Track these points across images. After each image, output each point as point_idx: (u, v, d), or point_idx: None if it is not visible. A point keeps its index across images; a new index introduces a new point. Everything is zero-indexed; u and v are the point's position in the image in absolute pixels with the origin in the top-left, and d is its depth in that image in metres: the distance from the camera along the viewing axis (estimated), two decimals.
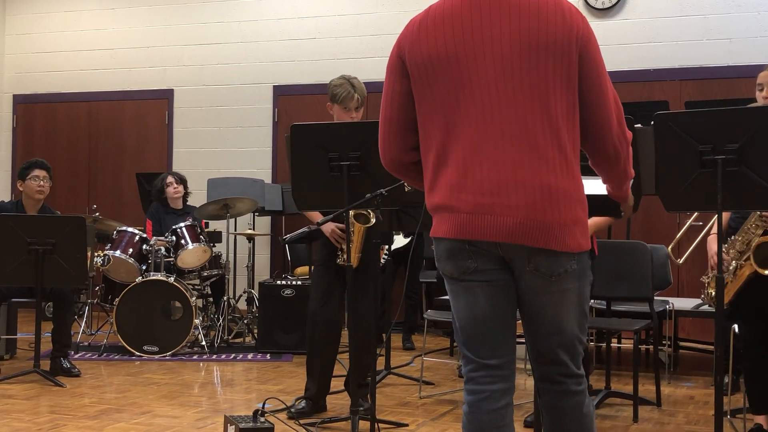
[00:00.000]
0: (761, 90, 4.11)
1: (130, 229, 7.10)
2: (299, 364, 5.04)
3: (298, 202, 4.16)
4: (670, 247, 5.17)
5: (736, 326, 4.58)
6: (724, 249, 4.04)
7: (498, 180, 2.35)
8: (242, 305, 8.25)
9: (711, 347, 6.79)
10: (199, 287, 7.36)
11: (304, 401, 4.72)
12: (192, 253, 7.04)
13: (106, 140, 10.05)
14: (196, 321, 6.78)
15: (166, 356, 6.65)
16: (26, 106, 10.41)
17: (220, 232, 7.94)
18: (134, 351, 6.64)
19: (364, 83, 4.83)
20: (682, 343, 7.16)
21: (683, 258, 5.05)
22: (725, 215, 4.15)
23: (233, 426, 4.07)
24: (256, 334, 7.27)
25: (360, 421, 4.20)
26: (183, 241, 7.01)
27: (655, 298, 5.57)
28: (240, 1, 9.59)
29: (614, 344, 6.69)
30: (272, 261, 9.39)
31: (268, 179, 9.22)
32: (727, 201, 3.30)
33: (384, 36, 9.00)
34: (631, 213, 2.83)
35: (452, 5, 2.43)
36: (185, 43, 9.75)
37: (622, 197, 2.67)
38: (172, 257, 6.99)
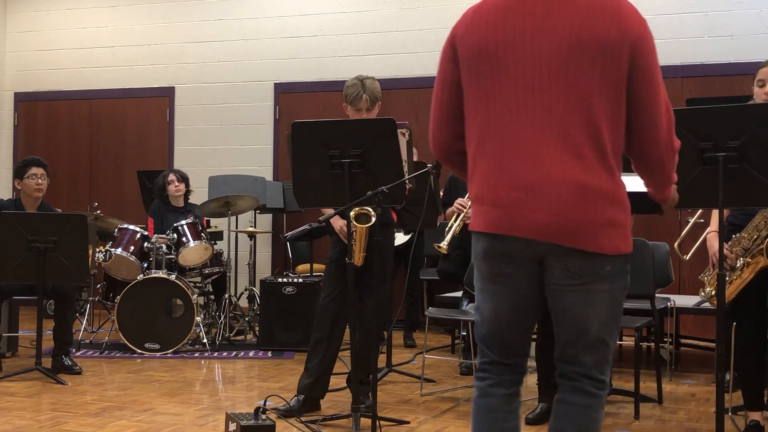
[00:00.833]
0: (762, 86, 4.09)
1: (131, 227, 7.10)
2: (300, 362, 5.04)
3: (299, 199, 4.16)
4: (676, 243, 5.17)
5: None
6: (727, 246, 4.04)
7: (533, 176, 2.35)
8: (243, 303, 8.26)
9: (712, 344, 6.79)
10: (201, 285, 7.36)
11: (295, 398, 4.71)
12: (193, 251, 7.04)
13: (108, 138, 10.05)
14: (198, 318, 6.79)
15: (167, 354, 6.65)
16: (27, 104, 10.41)
17: (222, 230, 7.94)
18: (136, 348, 6.65)
19: None
20: (683, 341, 7.15)
21: (689, 254, 5.04)
22: (725, 212, 4.14)
23: (235, 423, 4.07)
24: (257, 332, 7.28)
25: (361, 419, 4.20)
26: (184, 239, 7.01)
27: (657, 295, 5.57)
28: None
29: (616, 342, 6.68)
30: (273, 258, 9.39)
31: (269, 177, 9.23)
32: (729, 198, 3.30)
33: (385, 34, 9.00)
34: (672, 209, 2.79)
35: None
36: (186, 40, 9.75)
37: (663, 200, 2.63)
38: (174, 255, 6.99)
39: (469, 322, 5.87)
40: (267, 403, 4.34)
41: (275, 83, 9.43)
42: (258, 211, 8.85)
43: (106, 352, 6.75)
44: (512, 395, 2.54)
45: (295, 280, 7.05)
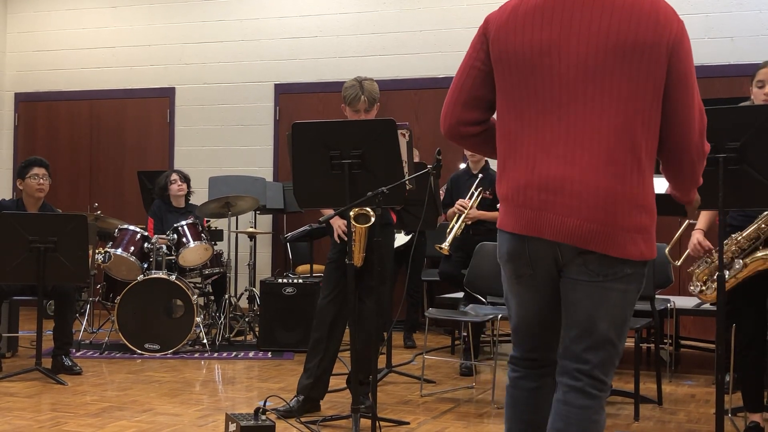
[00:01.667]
0: (761, 87, 4.09)
1: (131, 228, 7.11)
2: (300, 362, 5.04)
3: (299, 200, 4.16)
4: (667, 250, 5.16)
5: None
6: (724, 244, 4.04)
7: (564, 179, 2.34)
8: (243, 303, 8.26)
9: (712, 346, 6.79)
10: (201, 285, 7.36)
11: (294, 399, 4.71)
12: (193, 251, 7.04)
13: (108, 138, 10.05)
14: (198, 319, 6.79)
15: (167, 354, 6.65)
16: (28, 104, 10.41)
17: (222, 231, 7.94)
18: (136, 349, 6.65)
19: None
20: (683, 342, 7.15)
21: (680, 260, 5.04)
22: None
23: (234, 424, 4.07)
24: (257, 333, 7.28)
25: (361, 419, 4.19)
26: (184, 239, 7.01)
27: (656, 296, 5.57)
28: None
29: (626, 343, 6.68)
30: (273, 259, 9.39)
31: (269, 177, 9.23)
32: (729, 199, 3.30)
33: (386, 34, 9.00)
34: (696, 211, 2.79)
35: None
36: (187, 41, 9.76)
37: (688, 202, 2.63)
38: (174, 255, 7.00)
39: (469, 323, 5.87)
40: (267, 403, 4.34)
41: (275, 84, 9.43)
42: (258, 212, 8.85)
43: (106, 352, 6.75)
44: (539, 389, 2.58)
45: (295, 280, 7.05)
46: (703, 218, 4.27)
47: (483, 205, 6.32)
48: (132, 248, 6.97)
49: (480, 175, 6.39)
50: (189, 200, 7.72)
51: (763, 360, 4.15)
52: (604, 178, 2.32)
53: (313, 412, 4.72)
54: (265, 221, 9.37)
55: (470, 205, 6.26)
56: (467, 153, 6.45)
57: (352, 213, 4.32)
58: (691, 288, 4.36)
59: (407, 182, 4.13)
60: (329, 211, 4.39)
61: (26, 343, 6.89)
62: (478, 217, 6.27)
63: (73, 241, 5.65)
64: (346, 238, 4.66)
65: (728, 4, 7.99)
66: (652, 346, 6.38)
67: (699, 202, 2.71)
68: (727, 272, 4.08)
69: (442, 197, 6.57)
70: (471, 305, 5.77)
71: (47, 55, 10.31)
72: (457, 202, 6.30)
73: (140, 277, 6.76)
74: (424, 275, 7.85)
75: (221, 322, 7.21)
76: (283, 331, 6.94)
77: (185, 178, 7.67)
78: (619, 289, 2.39)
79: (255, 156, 9.45)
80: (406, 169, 4.17)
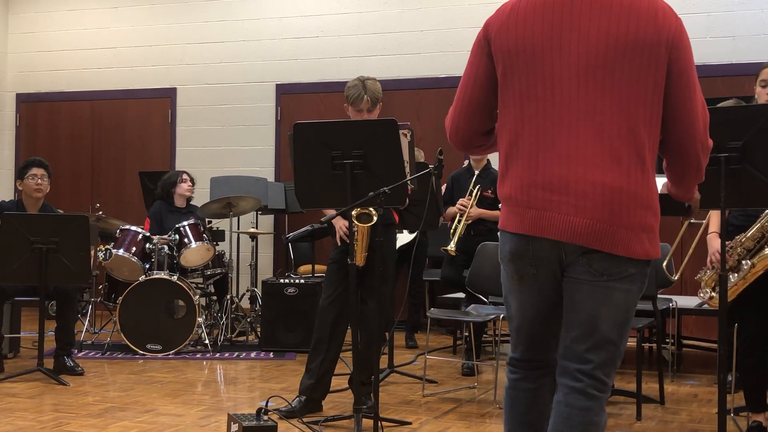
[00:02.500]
0: (764, 86, 4.09)
1: (133, 228, 7.11)
2: (302, 363, 5.04)
3: (301, 200, 4.16)
4: (664, 264, 5.16)
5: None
6: (729, 246, 4.03)
7: (568, 178, 2.33)
8: (245, 304, 8.26)
9: (714, 345, 6.78)
10: (203, 286, 7.36)
11: (296, 399, 4.71)
12: (195, 252, 7.04)
13: (109, 139, 10.06)
14: (200, 319, 6.79)
15: (169, 355, 6.65)
16: (29, 105, 10.41)
17: (223, 231, 7.94)
18: (137, 349, 6.65)
19: None
20: (685, 341, 7.15)
21: (677, 275, 5.05)
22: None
23: (237, 424, 4.07)
24: (259, 333, 7.28)
25: (363, 419, 4.19)
26: (186, 240, 7.01)
27: (659, 296, 5.56)
28: None
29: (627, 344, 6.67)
30: (275, 259, 9.39)
31: (271, 178, 9.23)
32: (731, 199, 3.30)
33: (387, 34, 9.00)
34: (698, 210, 2.77)
35: None
36: (188, 41, 9.76)
37: (688, 198, 2.62)
38: (176, 256, 7.00)
39: (471, 323, 5.86)
40: (269, 404, 4.34)
41: (277, 84, 9.43)
42: (260, 212, 8.86)
43: (108, 353, 6.75)
44: (538, 389, 2.57)
45: (297, 281, 7.05)
46: (715, 220, 4.24)
47: (484, 204, 6.31)
48: (134, 249, 6.98)
49: (478, 174, 6.38)
50: (190, 201, 7.71)
51: (766, 359, 4.14)
52: (610, 177, 2.31)
53: (315, 412, 4.72)
54: (267, 221, 9.37)
55: (470, 203, 6.25)
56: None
57: (354, 212, 4.32)
58: (701, 294, 4.35)
59: (409, 182, 4.13)
60: (331, 212, 4.39)
61: (28, 343, 6.89)
62: (479, 215, 6.27)
63: (74, 242, 5.65)
64: (347, 240, 4.65)
65: (729, 4, 7.98)
66: (655, 345, 6.37)
67: (699, 200, 2.70)
68: (735, 275, 4.07)
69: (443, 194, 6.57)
70: (473, 305, 5.77)
71: (49, 56, 10.31)
72: (458, 201, 6.29)
73: (142, 278, 6.76)
74: (426, 275, 7.85)
75: (223, 323, 7.21)
76: (285, 331, 6.94)
77: (192, 180, 7.68)
78: (623, 289, 2.39)
79: (256, 156, 9.45)
80: (407, 169, 4.17)
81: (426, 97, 8.83)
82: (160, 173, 8.30)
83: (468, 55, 2.60)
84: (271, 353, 6.85)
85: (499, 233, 2.56)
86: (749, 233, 4.05)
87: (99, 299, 7.63)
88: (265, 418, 4.08)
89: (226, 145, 9.59)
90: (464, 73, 2.58)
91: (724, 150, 3.25)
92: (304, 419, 4.51)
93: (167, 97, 9.85)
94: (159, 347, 6.68)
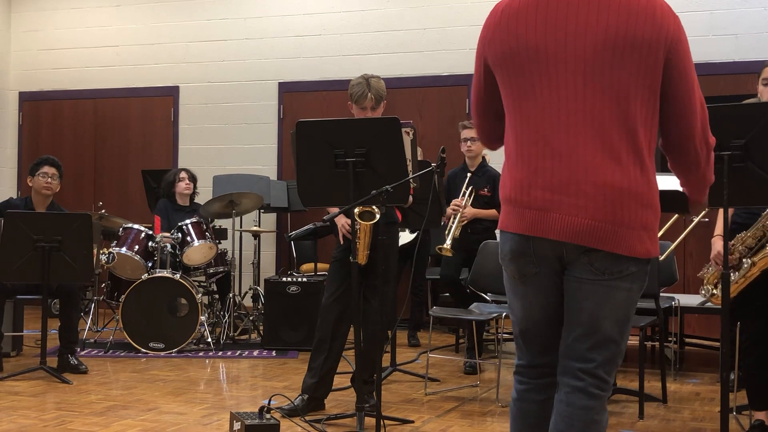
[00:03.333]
0: (767, 84, 4.08)
1: (136, 226, 7.11)
2: (305, 361, 5.04)
3: (303, 198, 4.16)
4: (667, 251, 5.16)
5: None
6: (730, 245, 4.03)
7: (568, 178, 2.32)
8: (248, 302, 8.27)
9: (717, 344, 6.78)
10: (205, 284, 7.37)
11: (299, 398, 4.71)
12: (198, 250, 7.05)
13: (112, 137, 10.07)
14: (202, 318, 6.79)
15: (172, 353, 6.66)
16: (32, 103, 10.42)
17: (226, 229, 7.95)
18: (140, 348, 6.66)
19: None
20: (688, 340, 7.14)
21: (664, 255, 5.05)
22: (729, 211, 4.13)
23: (239, 422, 4.07)
24: (261, 331, 7.28)
25: (366, 418, 4.20)
26: (189, 238, 7.02)
27: (661, 294, 5.56)
28: None
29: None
30: (278, 258, 9.40)
31: (273, 176, 9.23)
32: (733, 197, 3.30)
33: (389, 32, 9.00)
34: (701, 211, 2.75)
35: None
36: (190, 40, 9.76)
37: (700, 201, 2.58)
38: (178, 254, 7.00)
39: (473, 322, 5.87)
40: (271, 402, 4.34)
41: (279, 82, 9.43)
42: (262, 211, 8.86)
43: (111, 351, 6.76)
44: (547, 400, 2.51)
45: (300, 279, 7.05)
46: (720, 220, 4.23)
47: (480, 202, 6.30)
48: (136, 247, 6.98)
49: (470, 174, 6.37)
50: (194, 199, 7.71)
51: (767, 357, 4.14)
52: (610, 176, 2.30)
53: (317, 410, 4.72)
54: (269, 220, 9.38)
55: (464, 203, 6.25)
56: (464, 150, 6.38)
57: (356, 210, 4.32)
58: (702, 292, 4.34)
59: (411, 180, 4.13)
60: (334, 210, 4.39)
61: (31, 342, 6.90)
62: (474, 215, 6.26)
63: (77, 240, 5.65)
64: (350, 237, 4.65)
65: (732, 2, 7.97)
66: (657, 344, 6.37)
67: (706, 204, 2.66)
68: (736, 273, 4.07)
69: None
70: (475, 303, 5.77)
71: (51, 55, 10.32)
72: (452, 202, 6.30)
73: (145, 276, 6.76)
74: (429, 274, 7.85)
75: (226, 321, 7.22)
76: (288, 329, 6.94)
77: (193, 178, 7.68)
78: (624, 288, 2.38)
79: (259, 154, 9.46)
80: (410, 168, 4.17)
81: (428, 95, 8.83)
82: (162, 171, 8.31)
83: (470, 52, 2.60)
84: (274, 352, 6.86)
85: (498, 234, 2.55)
86: (751, 231, 4.05)
87: (102, 297, 7.64)
88: (268, 416, 4.08)
89: (229, 143, 9.59)
90: (474, 76, 2.60)
91: (726, 148, 3.24)
92: (307, 417, 4.51)
93: (170, 95, 9.85)
94: (162, 345, 6.68)
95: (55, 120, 10.31)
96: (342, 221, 4.68)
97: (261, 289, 7.80)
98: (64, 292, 5.99)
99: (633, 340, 6.58)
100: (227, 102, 9.62)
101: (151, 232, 7.11)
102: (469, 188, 6.27)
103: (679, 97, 2.36)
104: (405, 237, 7.19)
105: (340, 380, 5.08)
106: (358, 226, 4.43)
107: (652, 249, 2.38)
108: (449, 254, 6.13)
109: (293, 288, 6.98)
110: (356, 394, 4.37)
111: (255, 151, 9.48)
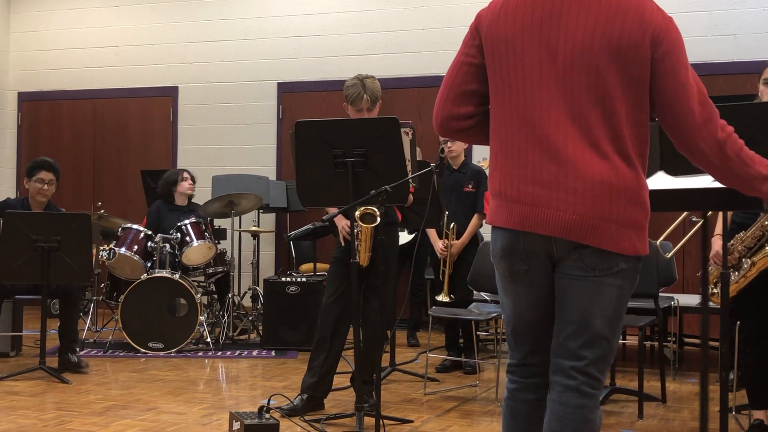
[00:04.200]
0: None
1: (135, 227, 7.11)
2: (304, 361, 5.04)
3: (302, 198, 4.16)
4: (659, 241, 5.16)
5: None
6: (729, 244, 4.03)
7: (557, 174, 2.33)
8: (247, 302, 8.27)
9: (716, 343, 6.78)
10: (204, 284, 7.36)
11: (298, 397, 4.71)
12: (197, 250, 7.05)
13: (111, 137, 10.07)
14: (201, 318, 6.79)
15: (171, 353, 6.66)
16: (31, 103, 10.42)
17: (225, 229, 7.95)
18: (139, 348, 6.65)
19: None
20: (687, 340, 7.14)
21: (671, 253, 5.04)
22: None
23: (238, 422, 4.07)
24: (260, 331, 7.28)
25: (365, 418, 4.20)
26: (188, 238, 7.02)
27: (660, 294, 5.56)
28: None
29: (619, 340, 6.68)
30: (277, 258, 9.40)
31: (272, 176, 9.23)
32: (735, 199, 3.29)
33: (388, 33, 9.00)
34: None
35: None
36: (190, 40, 9.76)
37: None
38: (177, 254, 7.00)
39: (472, 321, 5.87)
40: (271, 402, 4.34)
41: (278, 83, 9.43)
42: (261, 211, 8.86)
43: (110, 351, 6.76)
44: (539, 400, 2.52)
45: (299, 279, 7.05)
46: (719, 220, 4.24)
47: (467, 199, 6.25)
48: (136, 247, 6.98)
49: (457, 169, 6.31)
50: (191, 199, 7.70)
51: (766, 356, 4.14)
52: (598, 173, 2.32)
53: (317, 410, 4.72)
54: (269, 220, 9.38)
55: (450, 244, 6.16)
56: (446, 149, 6.27)
57: (357, 213, 4.32)
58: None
59: (410, 180, 4.13)
60: (333, 210, 4.39)
61: (30, 342, 6.90)
62: (462, 246, 6.18)
63: (76, 241, 5.65)
64: (350, 239, 4.65)
65: (731, 2, 7.98)
66: (656, 344, 6.37)
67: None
68: (736, 273, 4.07)
69: None
70: (474, 303, 5.77)
71: (50, 55, 10.32)
72: (437, 248, 6.22)
73: (144, 276, 6.76)
74: (428, 274, 7.84)
75: (225, 321, 7.22)
76: (287, 329, 6.95)
77: (194, 179, 7.68)
78: (614, 285, 2.39)
79: (258, 155, 9.46)
80: (409, 168, 4.17)
81: (427, 95, 8.83)
82: (161, 172, 8.30)
83: None
84: (273, 351, 6.86)
85: (491, 230, 2.55)
86: (750, 231, 4.05)
87: (101, 298, 7.63)
88: (267, 416, 4.08)
89: (228, 143, 9.59)
90: (453, 60, 2.59)
91: None
92: (306, 417, 4.51)
93: (169, 95, 9.85)
94: (161, 345, 6.68)
95: (54, 120, 10.31)
96: (342, 223, 4.68)
97: (260, 289, 7.80)
98: (64, 291, 5.99)
99: (632, 340, 6.59)
100: (226, 102, 9.62)
101: (150, 233, 7.10)
102: (451, 225, 6.17)
103: (667, 94, 2.34)
104: (404, 237, 7.19)
105: (340, 380, 5.08)
106: (358, 229, 4.43)
107: (640, 246, 2.39)
108: (449, 300, 6.06)
109: (292, 288, 6.98)
110: (356, 393, 4.37)
111: (254, 151, 9.49)
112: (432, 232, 6.26)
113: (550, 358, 2.48)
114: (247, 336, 7.57)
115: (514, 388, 2.58)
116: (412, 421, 4.58)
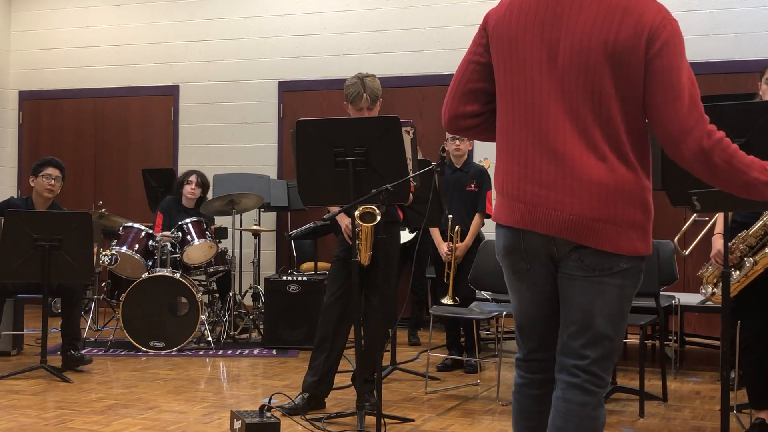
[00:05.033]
0: None
1: (136, 225, 7.12)
2: (305, 360, 5.05)
3: (303, 197, 4.16)
4: (676, 238, 5.16)
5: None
6: (731, 243, 4.03)
7: (556, 174, 2.35)
8: (248, 301, 8.27)
9: (717, 342, 6.79)
10: (205, 283, 7.37)
11: (300, 396, 4.72)
12: (198, 249, 7.05)
13: (112, 136, 10.06)
14: (202, 317, 6.79)
15: (172, 352, 6.66)
16: (32, 102, 10.42)
17: (226, 228, 7.95)
18: (140, 347, 6.66)
19: None
20: (688, 339, 7.15)
21: (688, 250, 5.03)
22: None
23: (240, 421, 4.08)
24: (261, 330, 7.28)
25: (366, 417, 4.20)
26: (189, 237, 7.02)
27: (661, 293, 5.56)
28: None
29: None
30: (278, 257, 9.40)
31: (273, 175, 9.23)
32: (735, 199, 3.29)
33: (389, 32, 9.00)
34: None
35: None
36: (190, 39, 9.76)
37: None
38: (178, 253, 7.00)
39: (473, 320, 5.87)
40: (272, 401, 4.34)
41: (279, 81, 9.43)
42: (262, 210, 8.86)
43: (111, 350, 6.76)
44: (544, 396, 2.54)
45: (300, 278, 7.05)
46: (720, 219, 4.23)
47: (469, 198, 6.25)
48: (137, 246, 6.98)
49: (456, 170, 6.31)
50: (200, 205, 7.48)
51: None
52: (596, 173, 2.33)
53: (318, 409, 4.72)
54: (270, 219, 9.38)
55: (454, 247, 6.16)
56: (452, 149, 6.28)
57: (357, 212, 4.32)
58: (702, 291, 4.34)
59: (411, 179, 4.13)
60: (334, 209, 4.39)
61: (31, 341, 6.90)
62: (466, 248, 6.18)
63: (77, 239, 5.65)
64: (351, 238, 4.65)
65: (732, 1, 7.97)
66: (657, 342, 6.37)
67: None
68: (738, 272, 4.07)
69: None
70: (475, 302, 5.77)
71: (51, 54, 10.32)
72: (441, 251, 6.21)
73: (145, 275, 6.76)
74: (429, 272, 7.85)
75: (226, 320, 7.22)
76: (288, 328, 6.95)
77: (202, 183, 7.58)
78: (616, 284, 2.40)
79: (259, 153, 9.46)
80: (410, 167, 4.17)
81: (428, 94, 8.83)
82: (163, 171, 8.30)
83: None
84: (274, 350, 6.86)
85: (495, 228, 2.56)
86: (752, 230, 4.05)
87: (102, 296, 7.63)
88: (268, 415, 4.09)
89: (229, 142, 9.59)
90: (462, 59, 2.62)
91: None
92: (307, 416, 4.51)
93: (170, 94, 9.85)
94: (162, 344, 6.69)
95: (55, 119, 10.31)
96: (345, 222, 4.68)
97: (261, 288, 7.80)
98: (66, 290, 5.99)
99: (633, 339, 6.58)
100: (227, 101, 9.62)
101: (151, 231, 7.10)
102: (455, 228, 6.16)
103: (658, 95, 2.31)
104: (405, 236, 7.18)
105: (341, 379, 5.08)
106: (359, 228, 4.43)
107: (641, 247, 2.39)
108: (454, 302, 6.05)
109: (293, 287, 6.98)
110: (357, 392, 4.38)
111: (255, 150, 9.48)
112: (436, 234, 6.26)
113: (555, 355, 2.50)
114: (248, 335, 7.57)
115: (520, 383, 2.61)
116: (413, 420, 4.58)
